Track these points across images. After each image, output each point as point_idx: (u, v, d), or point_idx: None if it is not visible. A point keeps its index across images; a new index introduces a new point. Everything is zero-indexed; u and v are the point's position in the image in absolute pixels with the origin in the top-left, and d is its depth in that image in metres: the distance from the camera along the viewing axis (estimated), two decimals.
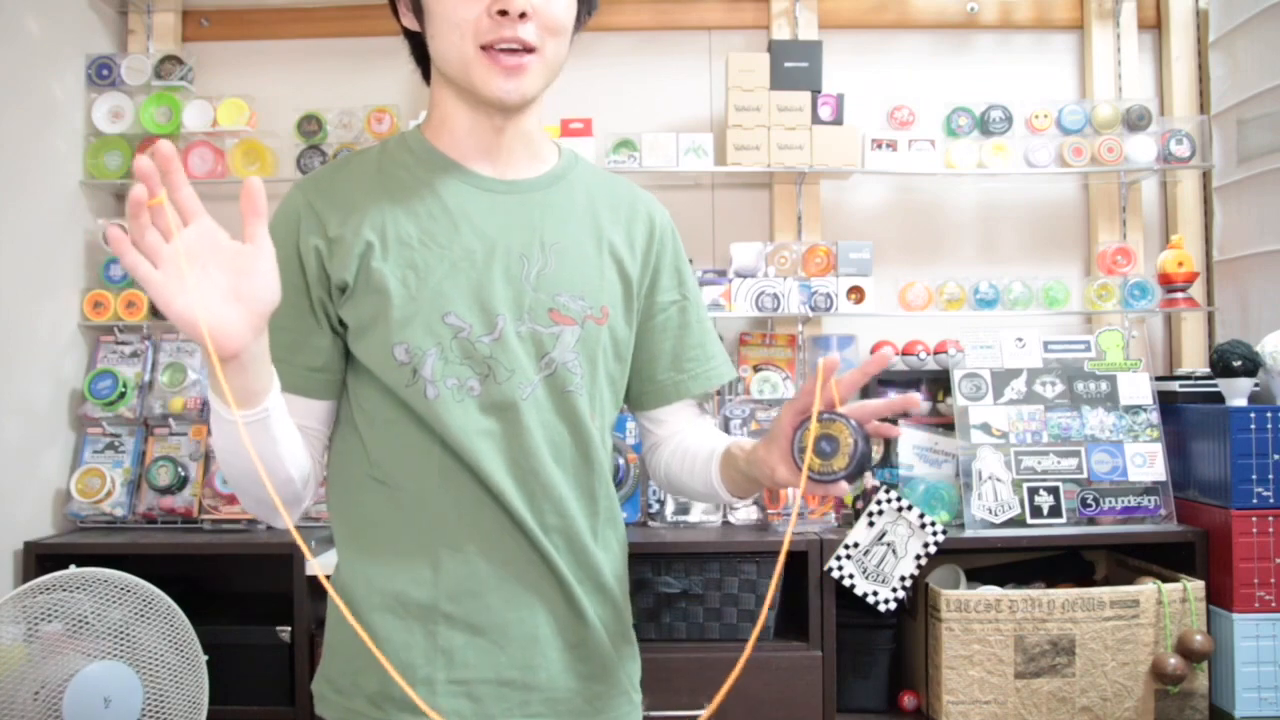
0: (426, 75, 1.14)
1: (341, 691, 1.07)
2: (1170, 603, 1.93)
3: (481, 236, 1.05)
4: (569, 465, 1.08)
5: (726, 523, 2.20)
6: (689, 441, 1.20)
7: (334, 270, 1.03)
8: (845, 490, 0.94)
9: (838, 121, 2.38)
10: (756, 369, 2.42)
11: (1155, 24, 2.59)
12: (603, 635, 1.11)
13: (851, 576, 1.98)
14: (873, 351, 2.42)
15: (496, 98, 1.02)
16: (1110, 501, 2.07)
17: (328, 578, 0.97)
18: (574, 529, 1.08)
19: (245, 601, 2.24)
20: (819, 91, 2.38)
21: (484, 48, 1.00)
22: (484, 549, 1.04)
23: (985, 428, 2.11)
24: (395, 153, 1.10)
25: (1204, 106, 2.52)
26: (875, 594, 1.98)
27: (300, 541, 0.85)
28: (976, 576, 2.18)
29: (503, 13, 0.98)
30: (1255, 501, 1.95)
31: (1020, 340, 2.21)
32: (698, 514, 2.19)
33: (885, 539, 2.00)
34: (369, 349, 1.03)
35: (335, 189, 1.06)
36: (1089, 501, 2.06)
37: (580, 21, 1.09)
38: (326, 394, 1.07)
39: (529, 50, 1.01)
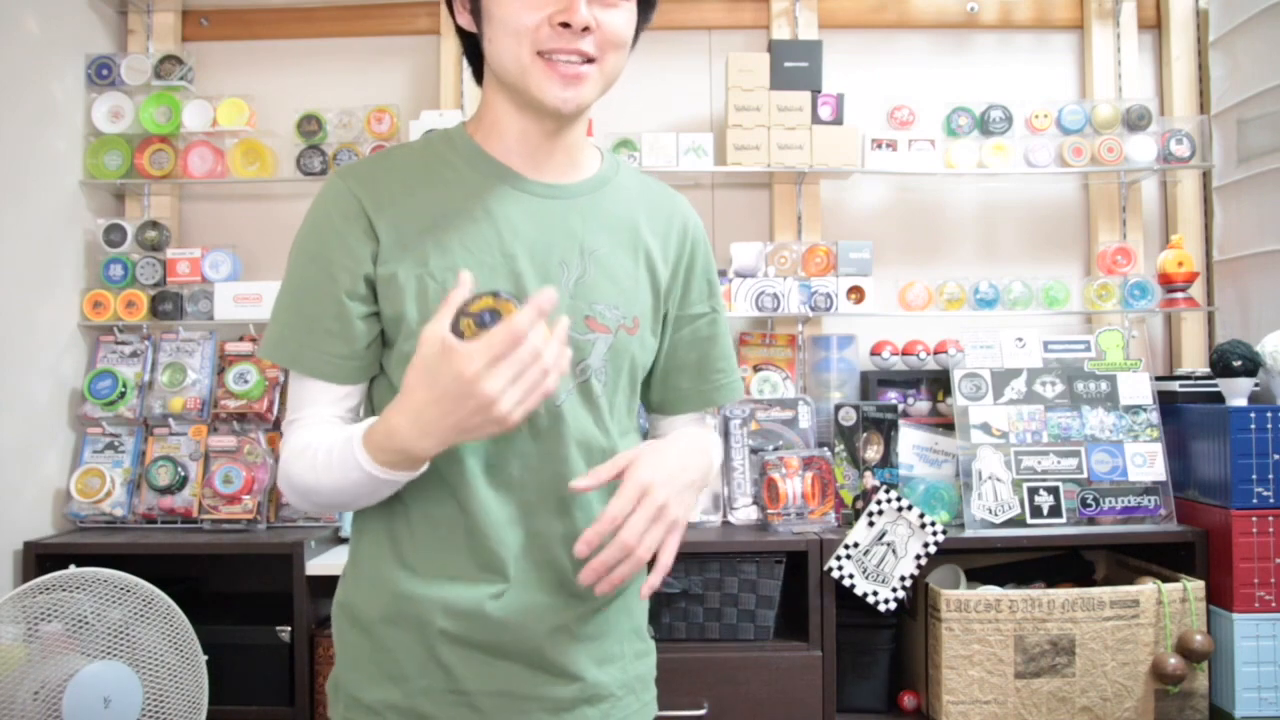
0: (477, 74, 1.13)
1: (343, 703, 1.07)
2: (1170, 603, 1.93)
3: (523, 242, 1.05)
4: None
5: (726, 523, 2.20)
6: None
7: (380, 266, 1.02)
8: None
9: (838, 121, 2.38)
10: (756, 369, 2.42)
11: (1155, 24, 2.59)
12: (611, 638, 1.11)
13: (851, 576, 1.98)
14: (873, 353, 2.42)
15: (553, 106, 1.01)
16: (1110, 501, 2.07)
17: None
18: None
19: (245, 601, 2.25)
20: (819, 91, 2.38)
21: (541, 54, 0.99)
22: (508, 556, 1.04)
23: (985, 428, 2.11)
24: (441, 151, 1.09)
25: (1204, 106, 2.52)
26: (875, 594, 1.98)
27: None
28: (976, 576, 2.18)
29: (565, 25, 0.97)
30: (1255, 501, 1.95)
31: (1020, 340, 2.21)
32: (697, 514, 2.19)
33: (885, 539, 2.00)
34: (406, 349, 1.02)
35: (379, 182, 1.05)
36: (1089, 501, 2.06)
37: (639, 31, 1.08)
38: (357, 378, 1.06)
39: (589, 61, 1.01)
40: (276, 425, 2.29)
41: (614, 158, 1.17)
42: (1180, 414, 2.15)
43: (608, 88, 1.06)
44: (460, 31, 1.10)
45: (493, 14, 1.01)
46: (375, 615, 1.05)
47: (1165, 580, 1.97)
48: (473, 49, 1.11)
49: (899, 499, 2.01)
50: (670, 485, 0.98)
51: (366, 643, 1.05)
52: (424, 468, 0.97)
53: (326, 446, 0.99)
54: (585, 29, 0.98)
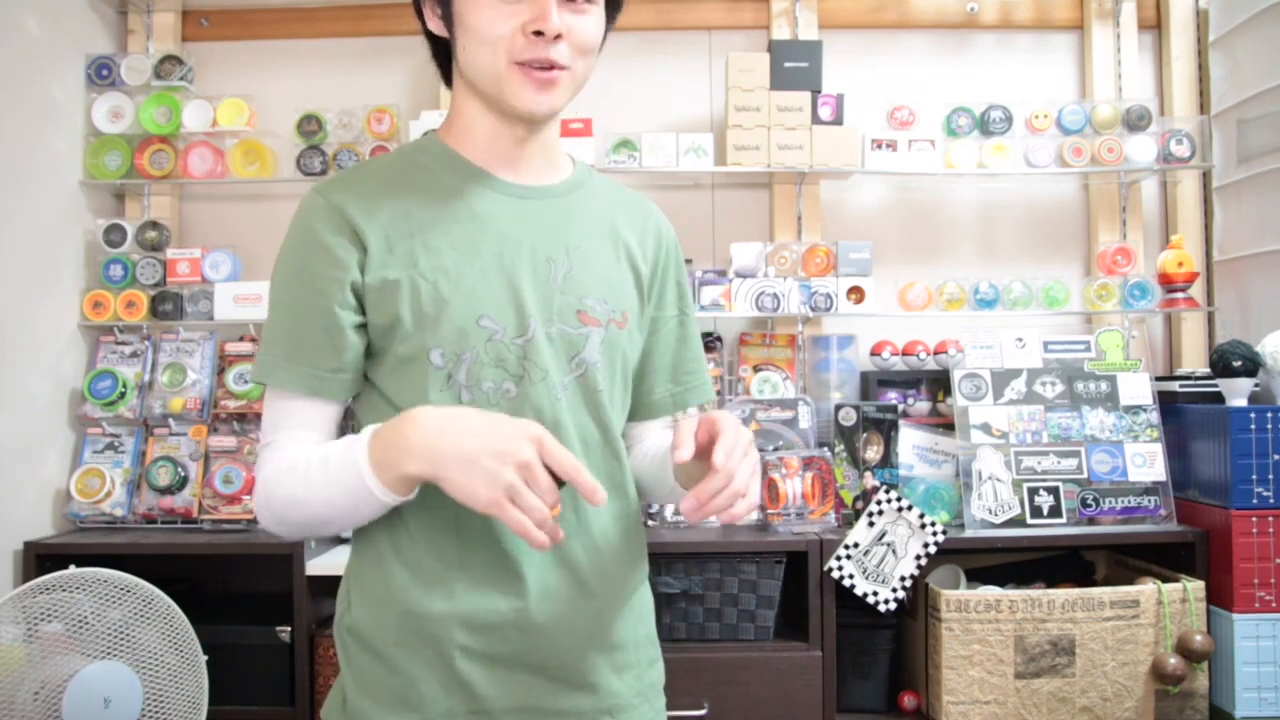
0: (444, 77, 1.14)
1: None
2: (1170, 603, 1.93)
3: (509, 240, 1.05)
4: (600, 466, 1.08)
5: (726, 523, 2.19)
6: (655, 440, 1.20)
7: (368, 273, 1.01)
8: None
9: (838, 121, 2.38)
10: (756, 369, 2.42)
11: (1155, 24, 2.59)
12: (629, 645, 1.10)
13: (851, 576, 1.98)
14: (873, 353, 2.42)
15: (527, 111, 1.03)
16: (1110, 501, 2.07)
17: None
18: (608, 537, 1.08)
19: (245, 601, 2.25)
20: (819, 91, 2.38)
21: (517, 63, 1.01)
22: (512, 569, 1.03)
23: (985, 428, 2.11)
24: (415, 158, 1.09)
25: (1204, 106, 2.52)
26: (875, 594, 1.98)
27: None
28: (976, 576, 2.18)
29: (538, 33, 0.99)
30: (1255, 501, 1.95)
31: (1020, 340, 2.21)
32: None
33: (885, 539, 2.00)
34: (402, 352, 1.02)
35: (360, 191, 1.04)
36: (1089, 501, 2.06)
37: (604, 35, 1.09)
38: (342, 394, 1.05)
39: (560, 69, 1.02)
40: None
41: (584, 164, 1.19)
42: (1180, 414, 2.15)
43: (577, 92, 1.07)
44: (428, 35, 1.12)
45: (466, 21, 1.02)
46: (386, 637, 1.03)
47: (1165, 580, 1.97)
48: (440, 52, 1.12)
49: (899, 499, 2.01)
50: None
51: (379, 667, 1.03)
52: (410, 496, 0.97)
53: (323, 455, 0.98)
54: (557, 36, 0.99)
